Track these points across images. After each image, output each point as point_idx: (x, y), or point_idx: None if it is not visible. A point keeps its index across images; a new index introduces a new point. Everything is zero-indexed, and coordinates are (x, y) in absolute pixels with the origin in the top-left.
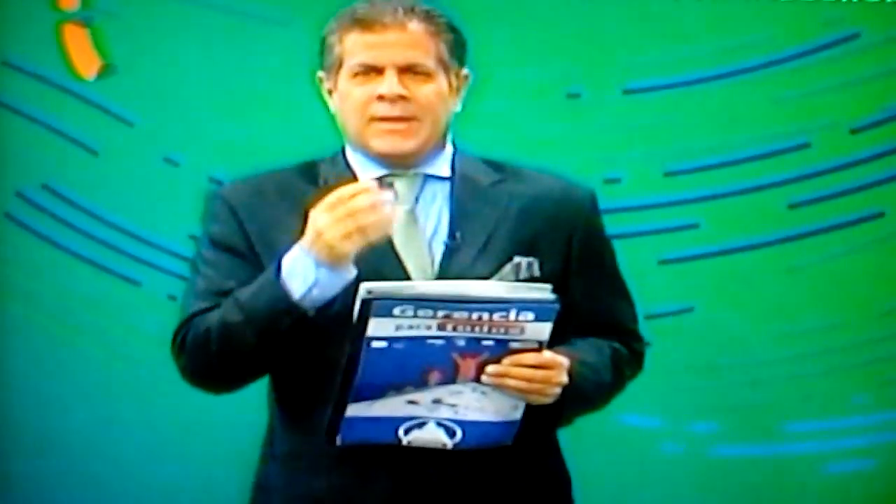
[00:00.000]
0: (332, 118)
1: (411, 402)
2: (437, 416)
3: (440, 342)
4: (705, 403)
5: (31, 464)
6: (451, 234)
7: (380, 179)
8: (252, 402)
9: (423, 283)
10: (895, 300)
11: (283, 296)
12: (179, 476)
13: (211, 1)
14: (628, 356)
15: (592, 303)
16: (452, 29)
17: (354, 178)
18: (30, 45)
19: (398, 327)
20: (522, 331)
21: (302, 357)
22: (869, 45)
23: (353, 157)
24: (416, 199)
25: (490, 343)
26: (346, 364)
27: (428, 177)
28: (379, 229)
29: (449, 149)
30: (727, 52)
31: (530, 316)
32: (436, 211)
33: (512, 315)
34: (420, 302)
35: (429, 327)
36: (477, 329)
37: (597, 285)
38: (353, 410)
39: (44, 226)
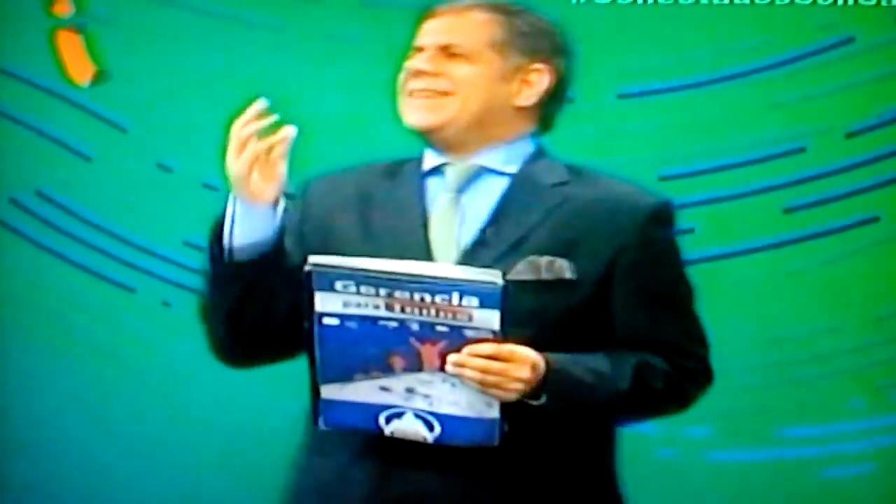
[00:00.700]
0: (325, 121)
1: (384, 389)
2: (413, 406)
3: (393, 325)
4: (701, 408)
5: (25, 469)
6: (483, 229)
7: (437, 168)
8: (249, 409)
9: (365, 259)
10: (891, 304)
11: (214, 239)
12: (173, 482)
13: (205, 7)
14: (666, 371)
15: (632, 314)
16: (530, 22)
17: (420, 168)
18: (24, 52)
19: (346, 304)
20: (471, 318)
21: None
22: (863, 50)
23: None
24: (463, 189)
25: (444, 329)
26: (305, 341)
27: (487, 171)
28: (261, 142)
29: (526, 147)
30: (722, 57)
31: (475, 301)
32: (485, 204)
33: (455, 298)
34: (360, 277)
35: (377, 307)
36: (425, 312)
37: (642, 297)
38: (327, 392)
39: (37, 232)
